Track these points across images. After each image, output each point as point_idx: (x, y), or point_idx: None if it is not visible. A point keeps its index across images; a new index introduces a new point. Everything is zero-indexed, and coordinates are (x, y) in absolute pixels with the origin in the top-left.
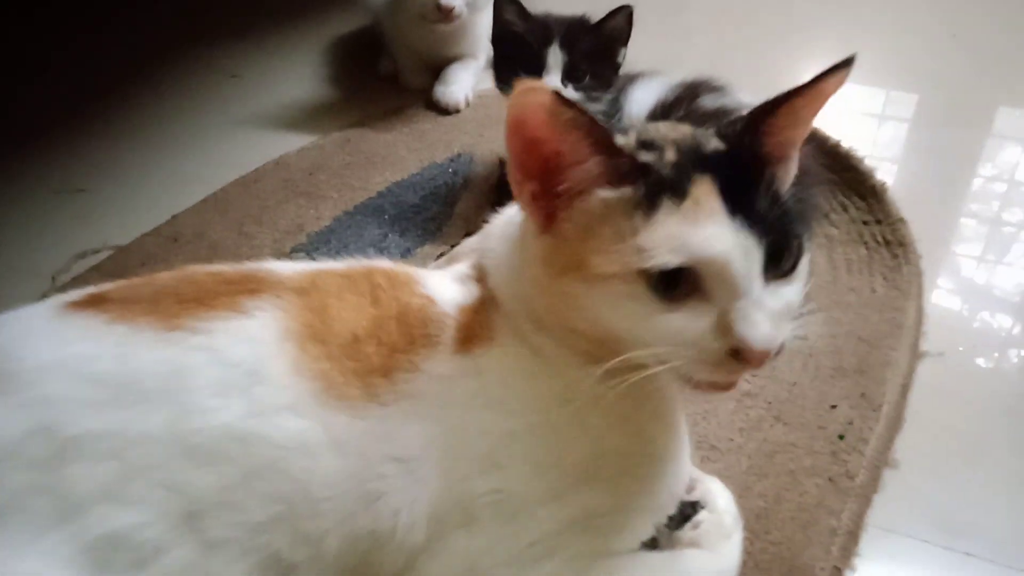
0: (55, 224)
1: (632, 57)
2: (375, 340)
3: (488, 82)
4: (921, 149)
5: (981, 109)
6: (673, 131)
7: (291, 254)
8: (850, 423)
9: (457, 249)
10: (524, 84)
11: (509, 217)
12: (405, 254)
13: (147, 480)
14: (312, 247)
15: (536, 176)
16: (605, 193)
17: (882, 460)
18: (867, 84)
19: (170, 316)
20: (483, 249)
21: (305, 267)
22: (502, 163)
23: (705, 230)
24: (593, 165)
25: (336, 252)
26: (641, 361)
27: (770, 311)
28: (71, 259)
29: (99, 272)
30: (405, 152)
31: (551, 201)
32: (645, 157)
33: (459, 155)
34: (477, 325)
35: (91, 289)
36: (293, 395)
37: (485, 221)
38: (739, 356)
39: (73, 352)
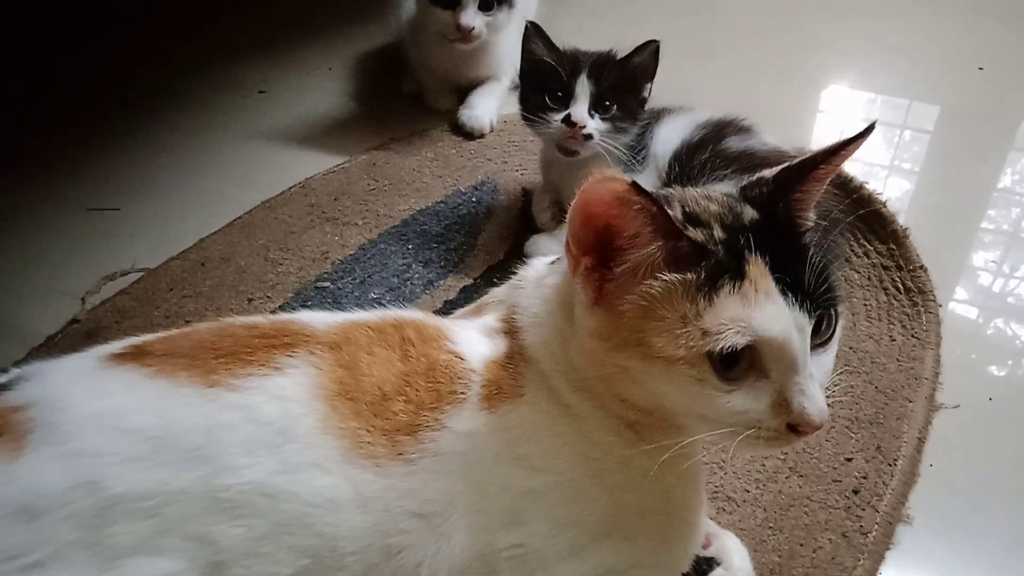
0: (85, 242)
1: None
2: (403, 397)
3: (511, 106)
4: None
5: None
6: (711, 203)
7: (316, 284)
8: (865, 477)
9: (484, 299)
10: (602, 173)
11: (541, 274)
12: (428, 287)
13: (181, 532)
14: (337, 276)
15: (594, 252)
16: (668, 276)
17: (896, 516)
18: (890, 94)
19: (208, 372)
20: (513, 304)
21: (338, 319)
22: (526, 193)
23: (765, 311)
24: (655, 248)
25: (360, 282)
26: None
27: (818, 382)
28: (100, 280)
29: (128, 296)
30: (430, 178)
31: (604, 276)
32: (696, 235)
33: (483, 183)
34: (505, 381)
35: (132, 340)
36: (321, 453)
37: (506, 254)
38: (796, 429)
39: (116, 405)
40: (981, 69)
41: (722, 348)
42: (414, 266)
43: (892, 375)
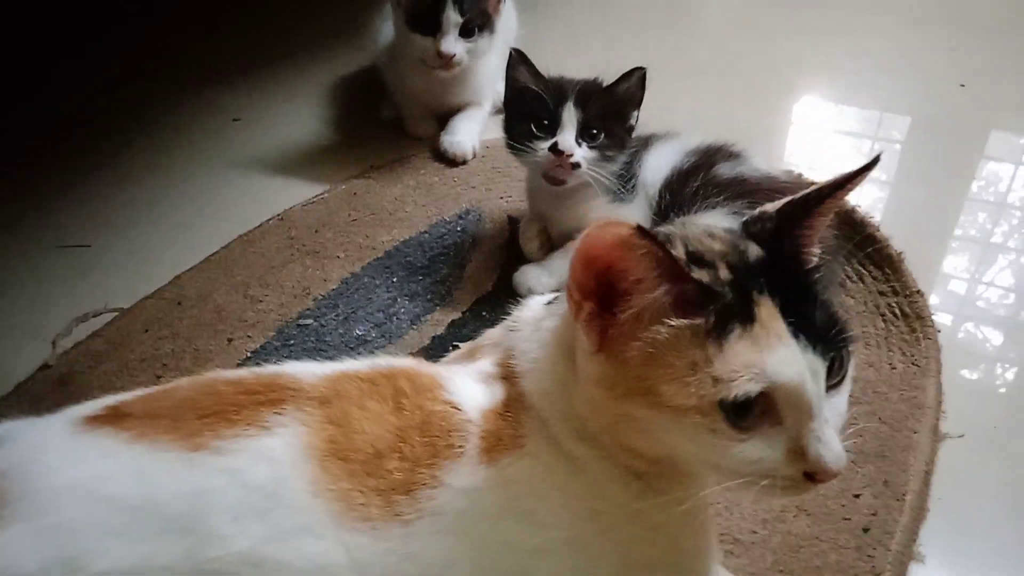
0: (55, 281)
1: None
2: (397, 455)
3: (492, 131)
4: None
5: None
6: (715, 241)
7: (298, 321)
8: (874, 514)
9: (477, 341)
10: (606, 220)
11: (538, 316)
12: (415, 321)
13: None
14: (319, 313)
15: (596, 297)
16: (675, 322)
17: (908, 554)
18: (862, 107)
19: (191, 434)
20: (510, 347)
21: (327, 370)
22: (511, 221)
23: (777, 354)
24: (661, 293)
25: (344, 319)
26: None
27: (833, 425)
28: (72, 322)
29: (101, 338)
30: (412, 208)
31: (607, 321)
32: (702, 277)
33: (468, 212)
34: (505, 431)
35: (109, 401)
36: (312, 518)
37: (495, 285)
38: (813, 477)
39: (92, 473)
40: (963, 86)
41: (735, 396)
42: (400, 300)
43: (895, 404)
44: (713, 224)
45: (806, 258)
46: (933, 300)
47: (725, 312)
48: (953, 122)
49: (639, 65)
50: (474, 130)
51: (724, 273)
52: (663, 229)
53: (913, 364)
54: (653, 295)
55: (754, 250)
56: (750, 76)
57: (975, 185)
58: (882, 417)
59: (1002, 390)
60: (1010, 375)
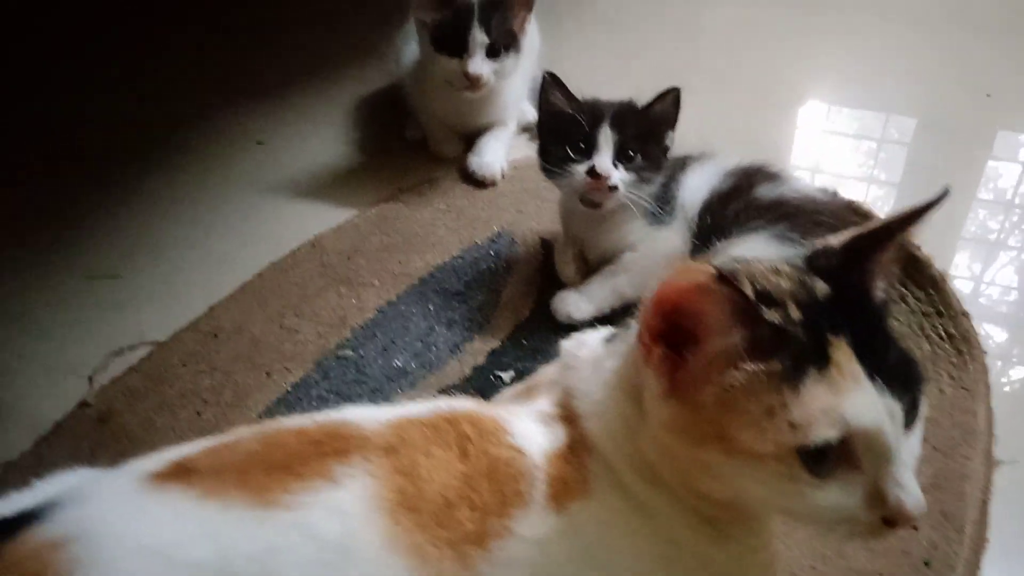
0: (88, 314)
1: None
2: (467, 503)
3: (520, 151)
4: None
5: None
6: (781, 278)
7: (337, 353)
8: (935, 547)
9: (533, 379)
10: (684, 266)
11: (598, 356)
12: (454, 351)
13: None
14: (358, 343)
15: (666, 340)
16: (749, 366)
17: None
18: (869, 109)
19: (261, 490)
20: (569, 387)
21: (388, 415)
22: (544, 243)
23: (855, 399)
24: (736, 337)
25: (383, 349)
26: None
27: (910, 468)
28: (107, 356)
29: (139, 373)
30: (444, 232)
31: (676, 364)
32: (773, 317)
33: (500, 235)
34: (570, 475)
35: (172, 455)
36: (387, 572)
37: (532, 311)
38: (892, 522)
39: (167, 537)
40: (989, 96)
41: (814, 443)
42: (437, 328)
43: (947, 431)
44: (776, 258)
45: (874, 294)
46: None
47: (799, 355)
48: (959, 123)
49: (649, 78)
50: (502, 151)
51: (794, 313)
52: (728, 266)
53: (962, 388)
54: (727, 339)
55: (821, 287)
56: (756, 80)
57: (983, 185)
58: (935, 444)
59: None
60: None
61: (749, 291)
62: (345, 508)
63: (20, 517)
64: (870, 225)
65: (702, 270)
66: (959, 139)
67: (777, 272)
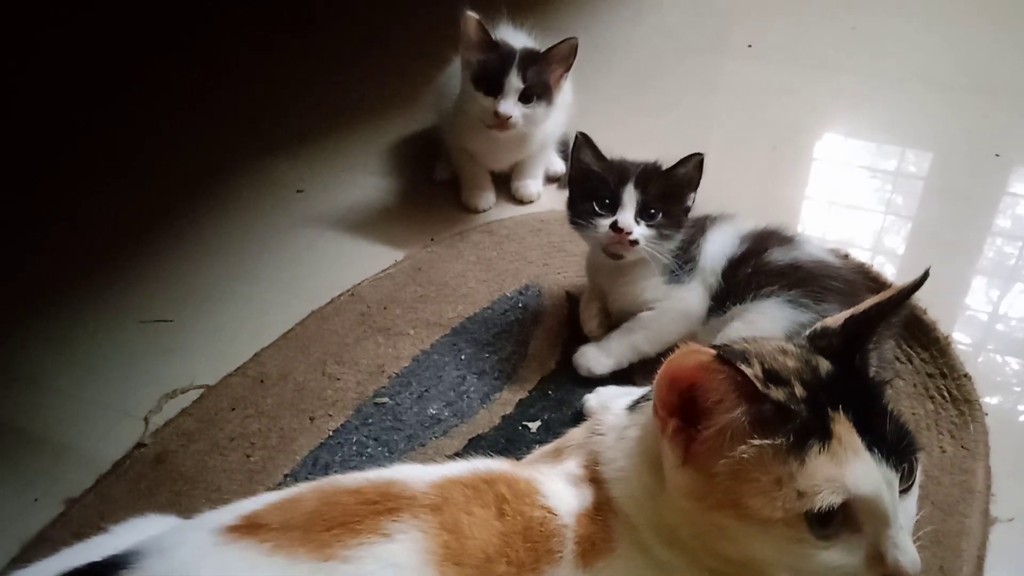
0: (141, 357)
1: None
2: (505, 559)
3: (546, 205)
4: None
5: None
6: (788, 358)
7: (375, 400)
8: None
9: (561, 441)
10: (688, 347)
11: (622, 423)
12: (484, 400)
13: None
14: (394, 391)
15: (680, 414)
16: (757, 442)
17: None
18: (883, 142)
19: (322, 545)
20: (595, 452)
21: (432, 475)
22: (569, 297)
23: (855, 469)
24: (740, 412)
25: (418, 397)
26: None
27: (906, 529)
28: (161, 399)
29: (191, 416)
30: (474, 283)
31: (691, 436)
32: (779, 395)
33: (527, 287)
34: (597, 535)
35: (243, 509)
36: None
37: (557, 363)
38: None
39: None
40: (998, 156)
41: (819, 508)
42: (468, 378)
43: (946, 489)
44: (782, 337)
45: (872, 370)
46: (958, 335)
47: (803, 429)
48: (974, 157)
49: (671, 133)
50: (540, 173)
51: (799, 390)
52: (739, 347)
53: (962, 448)
54: (733, 414)
55: (824, 365)
56: (771, 137)
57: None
58: (935, 501)
59: None
60: None
61: (755, 371)
62: (399, 560)
63: (109, 563)
64: (863, 308)
65: (704, 351)
66: (974, 173)
67: (784, 352)
